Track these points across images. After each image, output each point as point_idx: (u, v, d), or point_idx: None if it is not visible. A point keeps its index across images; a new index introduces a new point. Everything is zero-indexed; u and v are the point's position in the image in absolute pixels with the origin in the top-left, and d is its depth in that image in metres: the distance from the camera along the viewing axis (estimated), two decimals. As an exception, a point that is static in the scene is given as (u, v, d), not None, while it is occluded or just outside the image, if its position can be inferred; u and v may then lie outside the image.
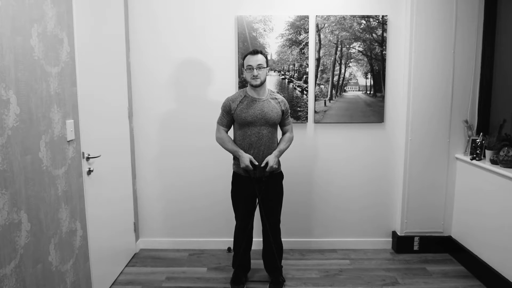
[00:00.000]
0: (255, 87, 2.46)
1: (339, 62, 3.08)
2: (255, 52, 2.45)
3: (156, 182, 3.24)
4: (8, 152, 1.59)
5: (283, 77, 3.11)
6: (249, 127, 2.46)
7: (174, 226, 3.29)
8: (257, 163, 2.45)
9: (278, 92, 2.95)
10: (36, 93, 1.78)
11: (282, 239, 2.66)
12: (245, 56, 2.50)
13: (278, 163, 2.57)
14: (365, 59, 3.08)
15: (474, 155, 2.86)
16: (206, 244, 3.29)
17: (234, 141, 2.55)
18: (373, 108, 3.13)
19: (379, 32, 3.04)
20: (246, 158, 2.43)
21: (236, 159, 2.53)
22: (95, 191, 2.40)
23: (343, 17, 3.02)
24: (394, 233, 3.27)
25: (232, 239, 3.24)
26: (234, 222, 3.24)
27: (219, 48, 3.07)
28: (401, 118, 3.12)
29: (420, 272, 2.90)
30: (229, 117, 2.51)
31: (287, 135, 2.63)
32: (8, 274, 1.58)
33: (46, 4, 1.87)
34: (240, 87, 3.06)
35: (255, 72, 2.41)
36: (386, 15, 3.02)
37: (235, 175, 2.58)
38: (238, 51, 3.05)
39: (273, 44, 3.05)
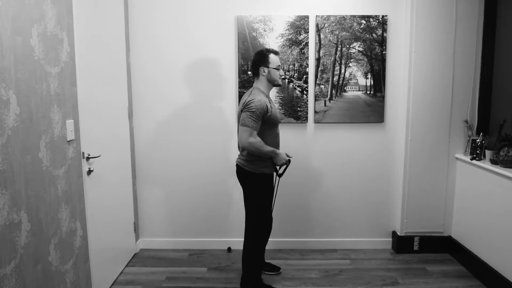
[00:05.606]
0: (277, 86, 2.52)
1: (339, 62, 3.08)
2: (278, 53, 2.49)
3: (156, 182, 3.24)
4: (8, 152, 1.59)
5: (283, 77, 3.10)
6: (277, 126, 2.50)
7: (174, 226, 3.29)
8: (290, 157, 2.52)
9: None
10: (36, 93, 1.78)
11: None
12: (268, 54, 2.43)
13: None
14: (365, 59, 3.08)
15: (474, 155, 2.86)
16: (206, 244, 3.29)
17: (265, 142, 2.39)
18: (373, 108, 3.12)
19: (379, 32, 3.04)
20: (283, 153, 2.44)
21: (264, 160, 2.42)
22: (95, 191, 2.40)
23: (343, 17, 3.02)
24: (394, 233, 3.27)
25: (231, 239, 3.27)
26: (234, 222, 3.26)
27: (219, 48, 3.07)
28: (401, 118, 3.12)
29: (420, 272, 2.90)
30: (261, 120, 2.33)
31: None
32: (8, 274, 1.58)
33: (46, 4, 1.87)
34: (240, 87, 3.06)
35: (282, 72, 2.45)
36: (386, 15, 3.02)
37: (266, 176, 2.47)
38: (238, 51, 3.04)
39: (273, 44, 3.05)
